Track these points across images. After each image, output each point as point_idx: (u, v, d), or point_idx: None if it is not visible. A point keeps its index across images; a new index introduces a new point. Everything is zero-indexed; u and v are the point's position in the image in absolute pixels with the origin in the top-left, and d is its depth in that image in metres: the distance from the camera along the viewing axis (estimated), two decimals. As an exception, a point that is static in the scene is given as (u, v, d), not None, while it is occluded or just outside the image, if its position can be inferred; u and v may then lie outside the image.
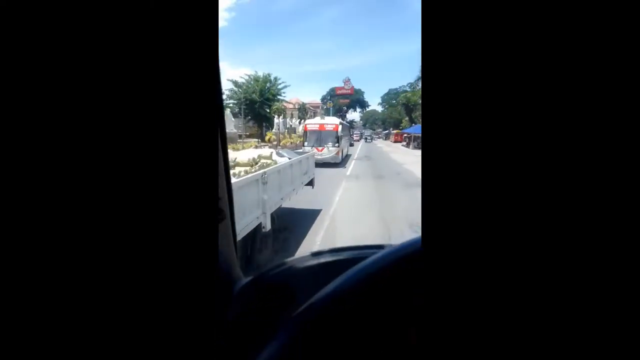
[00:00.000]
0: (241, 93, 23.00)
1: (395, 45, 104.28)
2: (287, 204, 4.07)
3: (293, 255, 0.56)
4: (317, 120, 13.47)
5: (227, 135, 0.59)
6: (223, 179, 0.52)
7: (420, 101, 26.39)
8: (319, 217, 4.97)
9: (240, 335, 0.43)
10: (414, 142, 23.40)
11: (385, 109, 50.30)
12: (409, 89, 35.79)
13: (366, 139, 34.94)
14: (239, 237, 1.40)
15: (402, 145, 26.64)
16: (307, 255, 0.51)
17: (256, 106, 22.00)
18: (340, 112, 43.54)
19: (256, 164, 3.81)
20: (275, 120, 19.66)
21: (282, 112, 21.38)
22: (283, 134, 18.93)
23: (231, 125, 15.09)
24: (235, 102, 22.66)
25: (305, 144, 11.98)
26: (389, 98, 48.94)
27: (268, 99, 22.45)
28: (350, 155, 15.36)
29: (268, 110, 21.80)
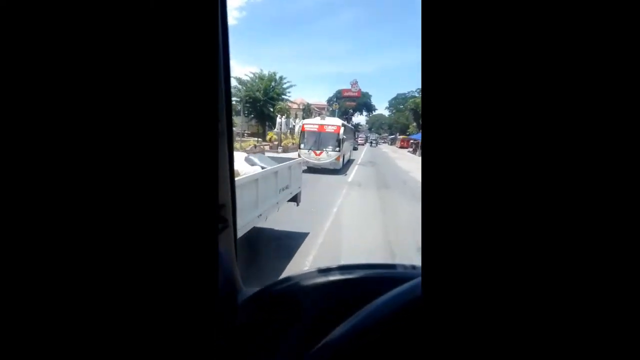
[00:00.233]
0: (244, 91, 22.54)
1: (405, 50, 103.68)
2: (262, 224, 3.08)
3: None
4: (317, 120, 11.58)
5: None
6: (227, 184, 0.48)
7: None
8: (302, 246, 3.59)
9: (245, 347, 0.44)
10: (420, 148, 22.61)
11: (392, 113, 49.55)
12: (417, 95, 35.02)
13: (371, 142, 34.45)
14: None
15: (408, 151, 25.89)
16: (314, 272, 0.49)
17: (259, 105, 21.45)
18: (346, 115, 42.89)
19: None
20: (278, 119, 19.01)
21: (285, 111, 20.77)
22: (285, 133, 18.24)
23: (232, 123, 14.45)
24: (238, 99, 22.10)
25: (302, 146, 10.50)
26: (396, 103, 48.19)
27: (272, 98, 21.92)
28: (353, 160, 14.26)
29: (272, 110, 21.22)
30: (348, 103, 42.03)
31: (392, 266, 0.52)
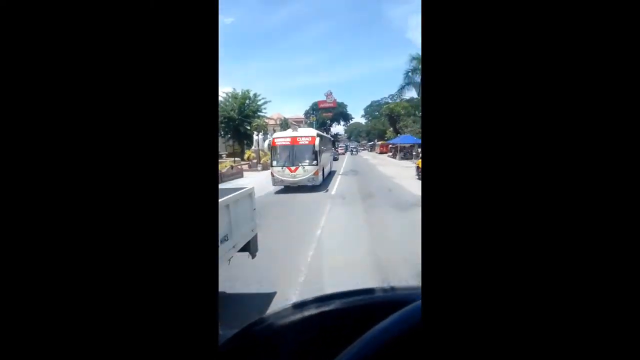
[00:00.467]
0: (219, 111, 22.14)
1: (376, 59, 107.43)
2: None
3: None
4: (288, 132, 10.10)
5: None
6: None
7: (403, 112, 25.92)
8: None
9: None
10: (400, 152, 22.98)
11: (368, 121, 50.55)
12: (390, 101, 35.97)
13: (352, 151, 34.91)
14: None
15: (388, 156, 26.23)
16: (289, 308, 0.48)
17: (235, 124, 21.11)
18: (324, 126, 43.23)
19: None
20: (255, 137, 18.68)
21: (263, 128, 20.51)
22: (263, 150, 17.90)
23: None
24: (212, 120, 21.52)
25: (274, 163, 9.16)
26: (371, 110, 49.29)
27: (247, 116, 21.69)
28: (334, 171, 13.90)
29: (248, 127, 20.91)
30: (325, 114, 42.48)
31: (369, 291, 0.51)
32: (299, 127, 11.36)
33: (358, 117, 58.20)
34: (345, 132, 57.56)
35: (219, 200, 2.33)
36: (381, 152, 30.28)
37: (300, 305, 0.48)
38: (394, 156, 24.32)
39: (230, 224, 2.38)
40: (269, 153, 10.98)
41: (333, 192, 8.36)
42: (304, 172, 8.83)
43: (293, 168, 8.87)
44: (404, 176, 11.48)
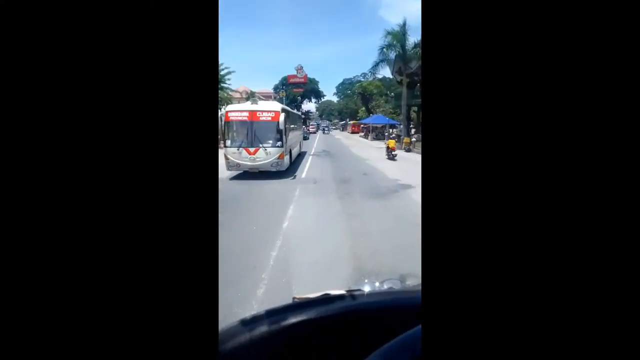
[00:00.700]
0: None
1: (348, 37, 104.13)
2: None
3: None
4: (246, 105, 7.47)
5: None
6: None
7: (375, 91, 25.36)
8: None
9: None
10: (372, 133, 22.63)
11: (341, 99, 49.46)
12: (362, 79, 35.17)
13: (324, 130, 34.22)
14: None
15: (360, 136, 25.88)
16: (238, 325, 0.46)
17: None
18: (294, 103, 41.41)
19: None
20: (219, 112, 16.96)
21: (227, 102, 18.67)
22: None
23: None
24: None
25: (228, 143, 7.08)
26: (344, 88, 48.12)
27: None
28: (305, 152, 12.69)
29: (210, 100, 18.89)
30: (295, 90, 40.48)
31: (336, 298, 0.49)
32: (269, 102, 8.96)
33: (330, 95, 56.96)
34: (317, 110, 56.05)
35: None
36: (353, 132, 29.86)
37: (261, 317, 0.44)
38: (365, 136, 23.98)
39: None
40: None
41: (303, 176, 7.49)
42: (266, 155, 6.97)
43: (252, 150, 6.93)
44: (377, 157, 11.02)
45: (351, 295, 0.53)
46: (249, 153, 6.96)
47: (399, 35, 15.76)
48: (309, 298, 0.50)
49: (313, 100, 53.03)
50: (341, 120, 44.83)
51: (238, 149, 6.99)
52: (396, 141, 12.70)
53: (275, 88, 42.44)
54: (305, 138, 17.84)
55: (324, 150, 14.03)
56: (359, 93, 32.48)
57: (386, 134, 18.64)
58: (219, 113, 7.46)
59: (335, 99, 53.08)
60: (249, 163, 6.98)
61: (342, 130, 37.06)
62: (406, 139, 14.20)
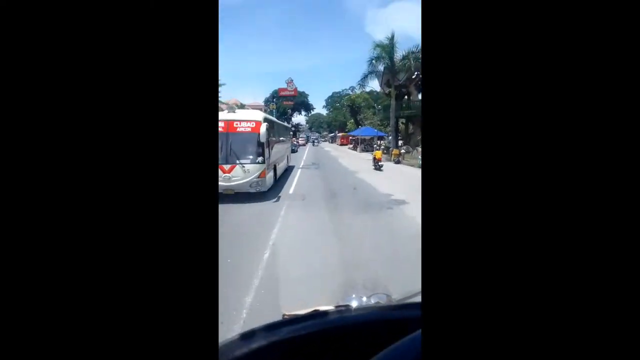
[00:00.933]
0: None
1: (337, 51, 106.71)
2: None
3: None
4: (222, 115, 6.13)
5: None
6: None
7: (363, 104, 25.66)
8: None
9: None
10: (360, 144, 22.69)
11: (330, 112, 49.97)
12: (351, 92, 35.69)
13: (313, 142, 34.41)
14: None
15: (349, 148, 25.94)
16: (237, 339, 0.46)
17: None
18: (285, 115, 41.49)
19: None
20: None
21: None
22: (215, 140, 15.95)
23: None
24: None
25: None
26: (333, 101, 48.72)
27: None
28: (293, 166, 12.11)
29: (198, 113, 18.61)
30: (286, 102, 40.65)
31: (324, 314, 0.50)
32: (249, 111, 7.74)
33: (320, 107, 57.52)
34: (306, 123, 56.36)
35: None
36: (342, 144, 29.95)
37: (249, 335, 0.45)
38: (354, 148, 24.04)
39: None
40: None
41: (291, 191, 7.19)
42: (244, 173, 5.72)
43: (227, 167, 5.67)
44: (366, 169, 10.85)
45: (338, 310, 0.53)
46: (223, 171, 5.68)
47: (388, 48, 16.03)
48: (298, 315, 0.50)
49: (303, 113, 53.40)
50: (330, 132, 45.10)
51: None
52: (383, 152, 12.62)
53: (266, 101, 42.51)
54: (293, 151, 17.49)
55: (313, 163, 13.82)
56: (348, 105, 32.85)
57: (374, 145, 18.69)
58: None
59: (324, 111, 53.65)
60: (223, 183, 5.62)
61: (332, 142, 37.18)
62: (395, 151, 14.19)
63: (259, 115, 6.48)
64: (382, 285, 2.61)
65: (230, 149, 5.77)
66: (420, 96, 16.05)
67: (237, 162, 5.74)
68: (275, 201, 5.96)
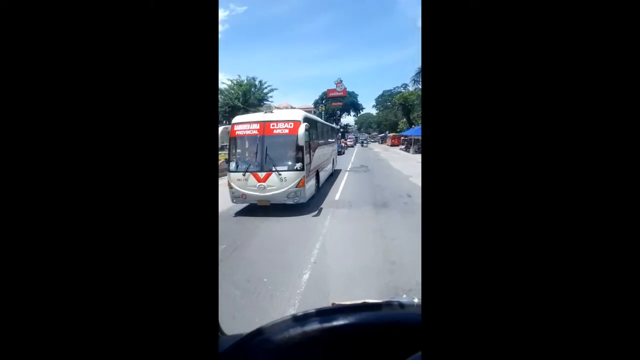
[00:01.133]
0: (222, 100, 20.94)
1: (387, 49, 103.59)
2: None
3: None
4: (257, 116, 5.52)
5: None
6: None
7: (417, 101, 23.92)
8: None
9: None
10: (414, 145, 21.19)
11: (380, 111, 48.37)
12: (403, 90, 33.86)
13: (362, 143, 33.75)
14: None
15: (400, 149, 24.55)
16: (289, 320, 0.47)
17: (239, 113, 19.87)
18: (334, 117, 41.42)
19: None
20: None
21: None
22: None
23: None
24: (213, 109, 20.41)
25: (232, 166, 5.21)
26: (383, 100, 47.04)
27: (252, 105, 20.35)
28: (339, 170, 11.45)
29: (252, 117, 19.64)
30: (334, 103, 40.56)
31: (376, 306, 0.49)
32: (288, 110, 7.02)
33: (369, 107, 56.15)
34: (355, 123, 55.52)
35: None
36: (392, 145, 28.58)
37: (301, 318, 0.46)
38: (406, 149, 22.60)
39: None
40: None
41: (337, 198, 6.71)
42: (281, 182, 4.93)
43: (262, 175, 4.94)
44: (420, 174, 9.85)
45: (389, 304, 0.51)
46: (258, 180, 4.97)
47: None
48: (347, 305, 0.49)
49: (352, 113, 52.72)
50: (380, 132, 43.57)
51: (244, 174, 5.01)
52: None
53: (316, 103, 43.04)
54: (340, 153, 16.90)
55: (362, 166, 13.22)
56: (400, 104, 31.19)
57: (430, 146, 17.11)
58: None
59: (374, 111, 52.15)
60: (257, 193, 4.98)
61: (381, 143, 35.85)
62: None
63: (299, 114, 5.47)
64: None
65: (266, 154, 5.02)
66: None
67: (273, 169, 4.99)
68: (316, 215, 5.11)
